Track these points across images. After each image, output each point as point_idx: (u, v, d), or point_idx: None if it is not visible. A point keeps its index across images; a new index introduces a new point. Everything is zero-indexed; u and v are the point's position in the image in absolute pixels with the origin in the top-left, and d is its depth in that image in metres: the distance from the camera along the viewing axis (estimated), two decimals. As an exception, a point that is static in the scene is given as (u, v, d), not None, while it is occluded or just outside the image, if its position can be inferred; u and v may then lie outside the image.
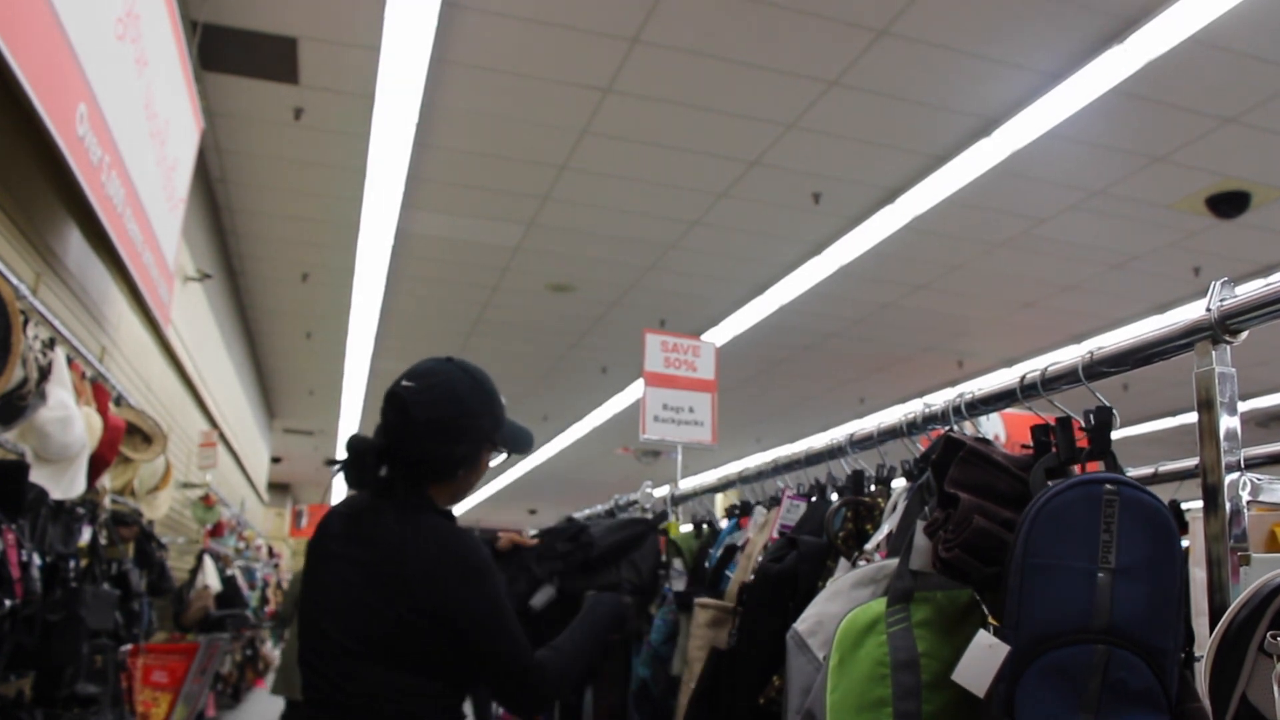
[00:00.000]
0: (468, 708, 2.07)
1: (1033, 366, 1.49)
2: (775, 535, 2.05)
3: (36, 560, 2.57)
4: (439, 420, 1.91)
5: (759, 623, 1.77)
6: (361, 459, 1.92)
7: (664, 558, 2.59)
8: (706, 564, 2.43)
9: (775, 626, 1.64)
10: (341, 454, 1.97)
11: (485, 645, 1.87)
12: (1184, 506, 1.55)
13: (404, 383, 1.94)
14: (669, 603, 2.24)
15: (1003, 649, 1.15)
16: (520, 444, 2.07)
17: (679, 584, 2.46)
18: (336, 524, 2.00)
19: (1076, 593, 1.10)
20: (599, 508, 3.60)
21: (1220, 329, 1.18)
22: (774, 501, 2.22)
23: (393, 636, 1.83)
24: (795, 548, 1.79)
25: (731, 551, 2.30)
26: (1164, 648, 1.08)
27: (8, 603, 2.34)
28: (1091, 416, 1.31)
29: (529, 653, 1.90)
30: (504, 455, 2.08)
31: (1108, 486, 1.13)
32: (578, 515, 4.05)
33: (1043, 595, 1.12)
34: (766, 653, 1.70)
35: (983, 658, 1.18)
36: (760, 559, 1.89)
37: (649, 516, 2.96)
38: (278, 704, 6.96)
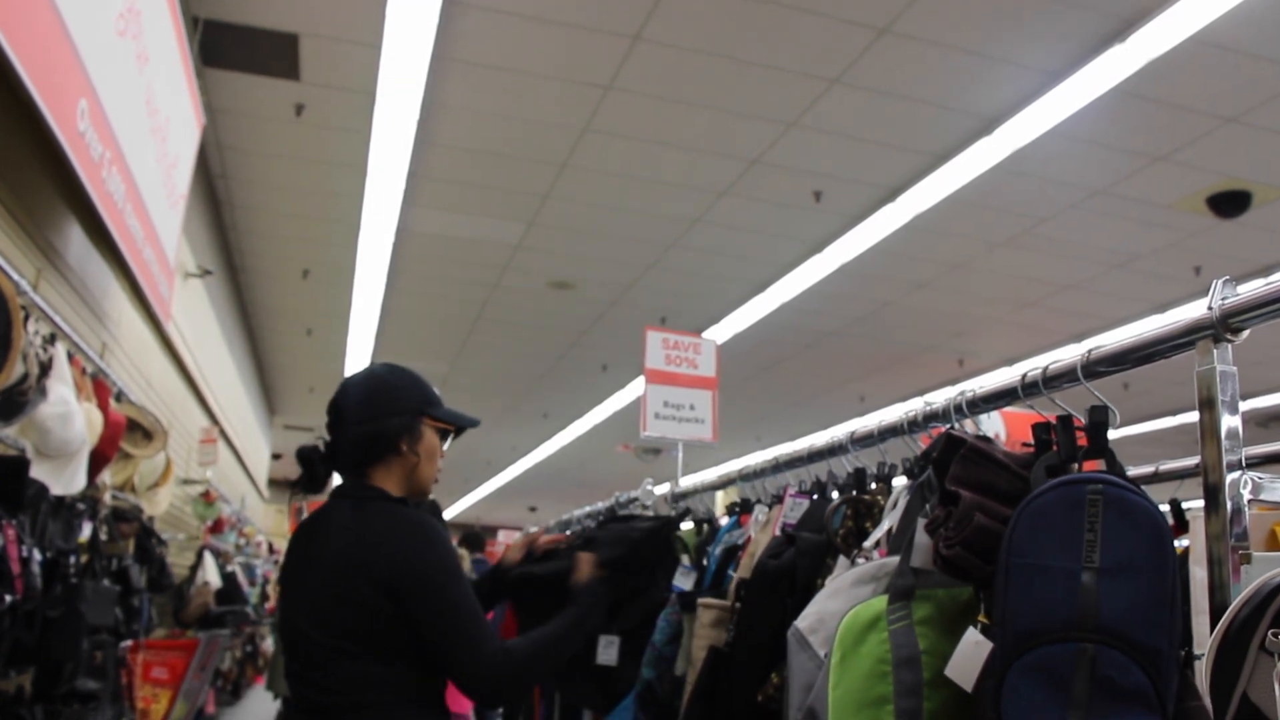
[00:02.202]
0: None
1: (1033, 365, 1.49)
2: (778, 533, 2.05)
3: (37, 556, 2.58)
4: (364, 401, 2.01)
5: (756, 619, 1.77)
6: (309, 465, 2.02)
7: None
8: (705, 561, 2.43)
9: (773, 623, 1.64)
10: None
11: (433, 612, 1.83)
12: (1185, 505, 1.55)
13: (338, 393, 2.07)
14: (672, 603, 2.24)
15: (987, 646, 1.16)
16: (462, 419, 2.11)
17: (686, 581, 2.46)
18: (301, 534, 2.06)
19: (1059, 591, 1.11)
20: (600, 505, 3.60)
21: (1222, 327, 1.18)
22: (775, 499, 2.22)
23: (362, 624, 1.84)
24: (794, 545, 1.80)
25: (733, 551, 2.30)
26: (1156, 647, 1.08)
27: (8, 598, 2.34)
28: (1088, 416, 1.31)
29: (486, 635, 1.87)
30: (452, 436, 2.11)
31: (1093, 486, 1.13)
32: (577, 513, 4.05)
33: (1026, 594, 1.12)
34: (764, 650, 1.70)
35: (970, 654, 1.20)
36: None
37: (657, 515, 2.95)
38: (276, 701, 6.97)
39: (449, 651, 1.85)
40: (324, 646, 1.85)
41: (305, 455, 2.03)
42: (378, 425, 1.99)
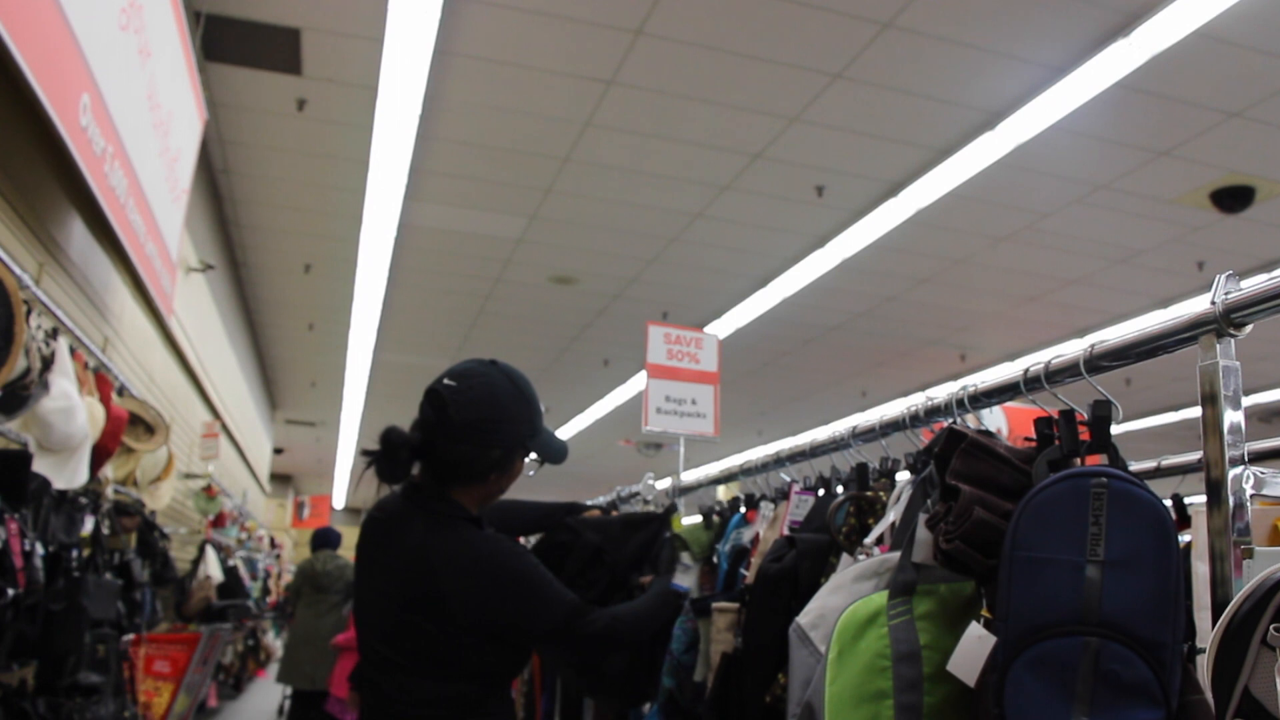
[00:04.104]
0: None
1: (1036, 360, 1.49)
2: (785, 531, 2.05)
3: (39, 550, 2.58)
4: (476, 422, 1.90)
5: (761, 623, 1.77)
6: (395, 452, 1.90)
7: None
8: (714, 559, 2.42)
9: (777, 625, 1.64)
10: (372, 445, 1.95)
11: (542, 634, 1.94)
12: (1187, 501, 1.55)
13: (445, 381, 1.94)
14: (686, 611, 2.24)
15: (990, 640, 1.16)
16: (554, 454, 2.07)
17: (688, 578, 2.45)
18: (372, 530, 2.00)
19: (1063, 585, 1.10)
20: (601, 499, 3.60)
21: (1225, 322, 1.17)
22: (780, 495, 2.21)
23: (439, 651, 1.85)
24: (794, 547, 1.79)
25: (745, 552, 2.29)
26: (1160, 641, 1.07)
27: (10, 592, 2.35)
28: (1090, 411, 1.30)
29: (582, 610, 1.95)
30: (538, 465, 2.08)
31: (1097, 480, 1.13)
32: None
33: (1030, 587, 1.12)
34: (770, 652, 1.70)
35: (973, 649, 1.19)
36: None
37: (654, 510, 2.95)
38: (278, 694, 6.98)
39: (559, 647, 1.95)
40: (399, 666, 1.87)
41: (395, 440, 1.90)
42: (477, 452, 1.92)
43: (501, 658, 1.90)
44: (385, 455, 1.90)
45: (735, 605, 1.98)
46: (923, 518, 1.38)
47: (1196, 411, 1.19)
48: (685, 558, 2.52)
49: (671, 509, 2.79)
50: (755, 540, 2.24)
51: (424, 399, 1.95)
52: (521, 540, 2.84)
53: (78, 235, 3.80)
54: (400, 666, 1.86)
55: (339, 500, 21.86)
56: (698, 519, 2.71)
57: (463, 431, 1.90)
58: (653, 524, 2.65)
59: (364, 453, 1.91)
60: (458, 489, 1.94)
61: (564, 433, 14.65)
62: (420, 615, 1.84)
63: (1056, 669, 1.08)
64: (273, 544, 13.41)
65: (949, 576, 1.31)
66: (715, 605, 2.06)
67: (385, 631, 1.89)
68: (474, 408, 1.90)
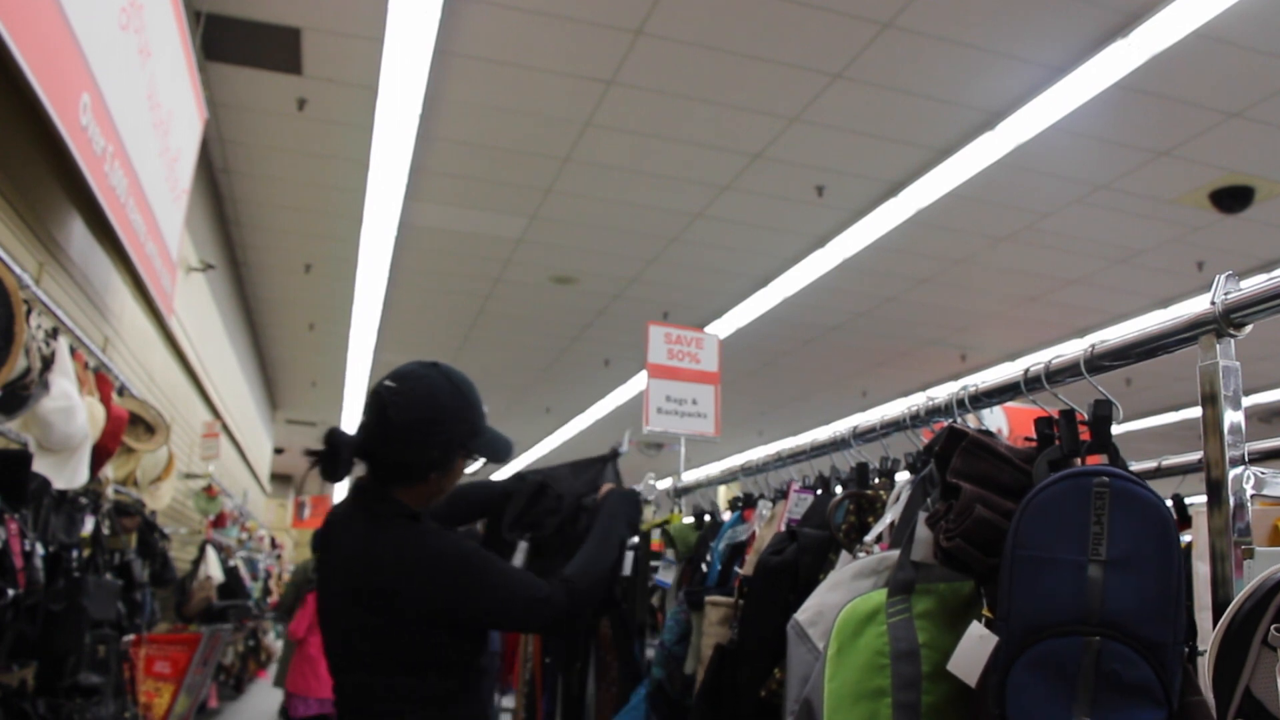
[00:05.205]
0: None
1: (1036, 360, 1.49)
2: (782, 528, 2.05)
3: (39, 550, 2.58)
4: (414, 423, 1.94)
5: (758, 616, 1.77)
6: (337, 452, 1.95)
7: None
8: (709, 557, 2.42)
9: (775, 619, 1.64)
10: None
11: (497, 618, 1.98)
12: (1187, 501, 1.55)
13: (386, 383, 1.98)
14: (680, 602, 2.24)
15: (992, 640, 1.16)
16: (497, 453, 2.09)
17: (668, 575, 2.47)
18: (326, 532, 2.06)
19: (1065, 584, 1.10)
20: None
21: (1225, 322, 1.17)
22: (779, 494, 2.22)
23: (391, 646, 1.87)
24: (796, 541, 1.79)
25: (740, 548, 2.30)
26: (1161, 641, 1.07)
27: (11, 592, 2.35)
28: (1091, 411, 1.30)
29: (536, 586, 1.96)
30: (480, 463, 2.11)
31: (1099, 479, 1.13)
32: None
33: (1032, 587, 1.12)
34: (767, 646, 1.70)
35: (974, 649, 1.19)
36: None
37: (654, 509, 2.96)
38: (279, 695, 6.99)
39: (527, 627, 1.96)
40: (359, 663, 1.90)
41: (337, 441, 1.94)
42: (415, 454, 1.95)
43: (456, 648, 1.91)
44: (328, 456, 1.95)
45: (728, 599, 1.99)
46: (922, 516, 1.38)
47: (1196, 411, 1.19)
48: (669, 554, 2.53)
49: (615, 452, 2.79)
50: (751, 538, 2.25)
51: (366, 400, 2.01)
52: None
53: (78, 235, 3.80)
54: (357, 665, 1.90)
55: (339, 500, 21.83)
56: (689, 520, 2.72)
57: (401, 432, 1.93)
58: (599, 462, 2.67)
59: (308, 453, 1.94)
60: (400, 488, 1.98)
61: (564, 433, 14.66)
62: (368, 611, 1.87)
63: (1058, 669, 1.08)
64: (273, 544, 13.41)
65: (948, 575, 1.31)
66: (709, 599, 2.06)
67: (341, 631, 1.94)
68: (412, 409, 1.94)
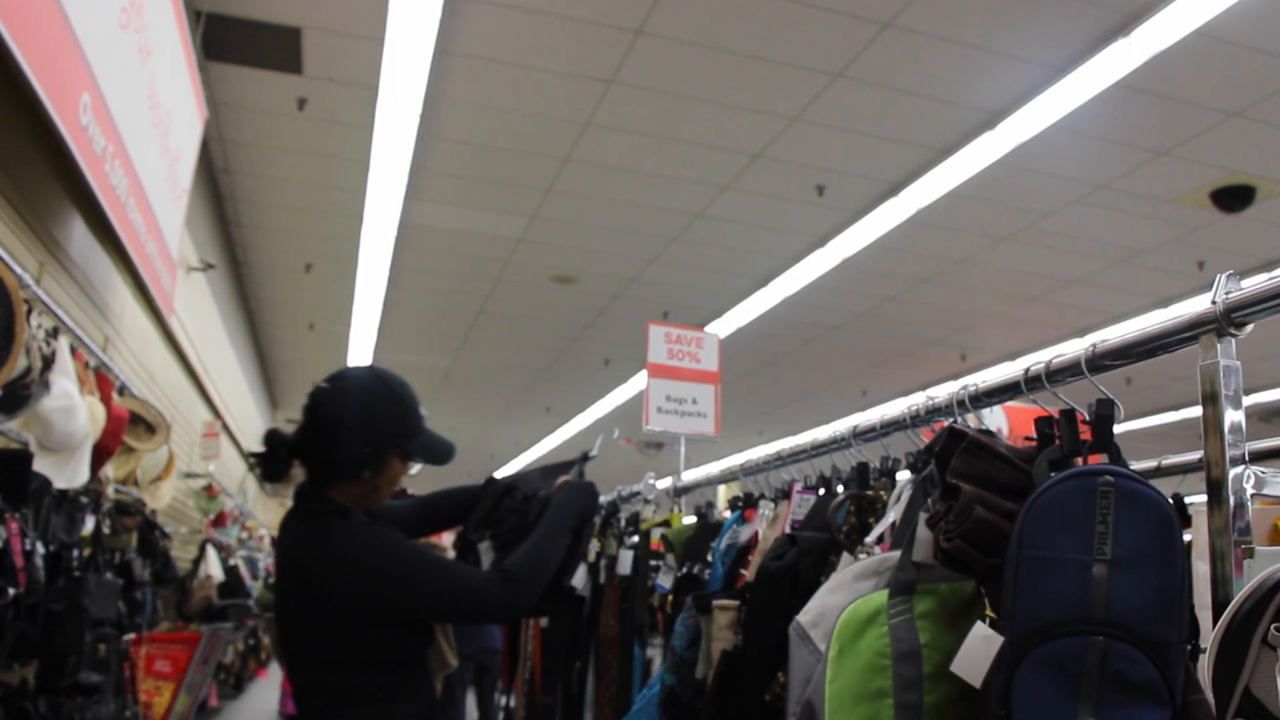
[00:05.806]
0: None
1: (1036, 359, 1.49)
2: (786, 530, 2.05)
3: (40, 549, 2.58)
4: (344, 420, 1.97)
5: (761, 621, 1.77)
6: (274, 452, 1.98)
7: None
8: (710, 557, 2.42)
9: (777, 624, 1.64)
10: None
11: (427, 611, 1.95)
12: (1187, 500, 1.55)
13: (321, 383, 2.02)
14: (688, 606, 2.24)
15: (997, 640, 1.15)
16: (435, 456, 2.09)
17: (667, 579, 2.47)
18: (278, 534, 2.09)
19: (1071, 584, 1.10)
20: (601, 499, 3.60)
21: (1225, 322, 1.17)
22: (780, 494, 2.22)
23: (325, 642, 1.89)
24: (796, 545, 1.79)
25: (746, 551, 2.29)
26: (1165, 640, 1.07)
27: (11, 591, 2.35)
28: (1092, 410, 1.30)
29: (475, 578, 1.96)
30: (419, 466, 2.12)
31: (1104, 478, 1.13)
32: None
33: (1037, 587, 1.12)
34: (770, 650, 1.70)
35: (979, 649, 1.18)
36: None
37: (653, 508, 2.96)
38: (278, 694, 6.98)
39: (460, 619, 1.95)
40: (302, 662, 1.93)
41: (274, 441, 1.99)
42: (344, 451, 1.97)
43: (393, 644, 1.91)
44: (266, 456, 1.99)
45: (736, 603, 1.99)
46: (923, 517, 1.38)
47: (1197, 411, 1.19)
48: (669, 559, 2.53)
49: (585, 455, 2.78)
50: (754, 539, 2.24)
51: (305, 402, 2.04)
52: None
53: (78, 234, 3.80)
54: (300, 663, 1.93)
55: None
56: (691, 520, 2.72)
57: (330, 429, 1.97)
58: (570, 465, 2.66)
59: (249, 454, 1.98)
60: (334, 487, 2.00)
61: (564, 432, 14.65)
62: (302, 609, 1.91)
63: (1063, 668, 1.08)
64: (273, 543, 13.41)
65: (949, 576, 1.30)
66: (716, 603, 2.06)
67: (284, 628, 1.97)
68: (343, 407, 1.98)
